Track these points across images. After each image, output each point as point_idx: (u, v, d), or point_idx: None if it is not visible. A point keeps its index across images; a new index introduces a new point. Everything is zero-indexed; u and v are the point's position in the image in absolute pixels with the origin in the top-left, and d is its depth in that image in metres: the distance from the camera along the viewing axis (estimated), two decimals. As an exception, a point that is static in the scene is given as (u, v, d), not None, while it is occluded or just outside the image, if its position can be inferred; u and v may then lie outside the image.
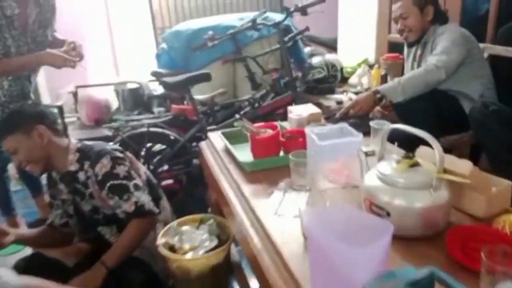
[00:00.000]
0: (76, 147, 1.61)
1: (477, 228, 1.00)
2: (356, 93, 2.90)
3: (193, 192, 2.50)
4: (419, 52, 2.11)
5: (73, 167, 1.57)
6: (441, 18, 2.05)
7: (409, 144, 1.20)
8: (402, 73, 3.08)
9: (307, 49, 3.46)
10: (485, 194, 1.04)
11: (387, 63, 3.04)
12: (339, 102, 2.74)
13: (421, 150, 1.14)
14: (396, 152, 1.22)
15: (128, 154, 1.66)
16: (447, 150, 1.84)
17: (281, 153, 1.49)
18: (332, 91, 3.04)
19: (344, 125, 1.32)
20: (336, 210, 0.85)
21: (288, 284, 0.90)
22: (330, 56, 3.14)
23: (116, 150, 1.61)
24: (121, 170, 1.52)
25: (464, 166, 1.04)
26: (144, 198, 1.54)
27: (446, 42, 1.88)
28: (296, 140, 1.44)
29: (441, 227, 0.98)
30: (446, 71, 1.82)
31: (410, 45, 2.14)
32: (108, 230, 1.67)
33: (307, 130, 1.29)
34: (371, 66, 3.23)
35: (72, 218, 1.69)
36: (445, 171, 0.99)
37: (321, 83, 2.99)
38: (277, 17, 2.77)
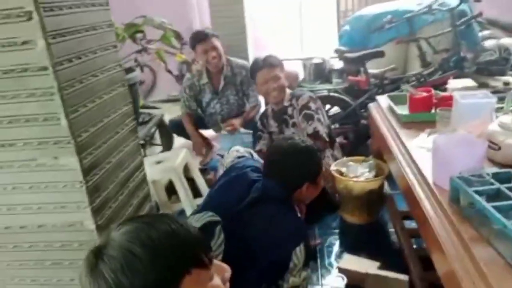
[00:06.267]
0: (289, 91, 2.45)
1: None
2: (529, 76, 2.97)
3: (358, 149, 3.07)
4: None
5: (286, 103, 2.37)
6: None
7: None
8: None
9: (484, 33, 3.58)
10: None
11: None
12: (506, 83, 2.90)
13: None
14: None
15: (319, 100, 2.38)
16: None
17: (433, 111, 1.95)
18: (503, 73, 3.16)
19: (487, 92, 1.72)
20: (455, 134, 1.35)
21: (425, 192, 1.34)
22: (504, 40, 3.23)
23: (313, 94, 2.40)
24: (312, 105, 2.25)
25: None
26: (321, 128, 2.23)
27: None
28: (446, 102, 1.88)
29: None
30: None
31: None
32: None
33: (454, 92, 1.74)
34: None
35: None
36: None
37: (492, 65, 3.14)
38: (453, 2, 3.04)
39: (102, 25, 1.29)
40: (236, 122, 2.84)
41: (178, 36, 3.43)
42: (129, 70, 2.49)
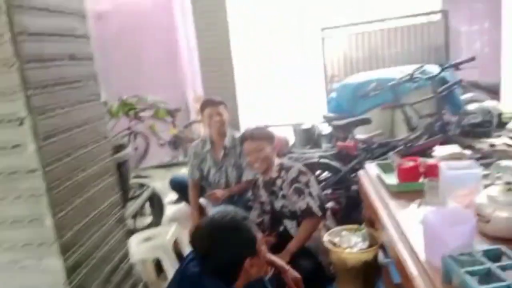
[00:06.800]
0: (278, 162, 2.44)
1: None
2: (513, 138, 3.04)
3: (351, 215, 3.05)
4: None
5: (274, 175, 2.38)
6: None
7: None
8: None
9: (466, 95, 3.73)
10: None
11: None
12: (492, 145, 2.96)
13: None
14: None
15: (309, 172, 2.40)
16: None
17: (421, 180, 1.98)
18: (488, 135, 3.24)
19: (472, 162, 1.76)
20: (444, 210, 1.36)
21: (418, 269, 1.32)
22: (486, 103, 3.36)
23: (302, 166, 2.39)
24: (302, 179, 2.26)
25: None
26: (313, 203, 2.23)
27: None
28: (433, 171, 1.91)
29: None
30: None
31: None
32: (290, 223, 2.39)
33: (440, 163, 1.77)
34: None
35: (267, 215, 2.47)
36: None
37: (476, 128, 3.23)
38: (435, 69, 3.19)
39: (94, 119, 1.31)
40: (219, 193, 2.85)
41: (169, 112, 3.56)
42: (121, 147, 2.53)
